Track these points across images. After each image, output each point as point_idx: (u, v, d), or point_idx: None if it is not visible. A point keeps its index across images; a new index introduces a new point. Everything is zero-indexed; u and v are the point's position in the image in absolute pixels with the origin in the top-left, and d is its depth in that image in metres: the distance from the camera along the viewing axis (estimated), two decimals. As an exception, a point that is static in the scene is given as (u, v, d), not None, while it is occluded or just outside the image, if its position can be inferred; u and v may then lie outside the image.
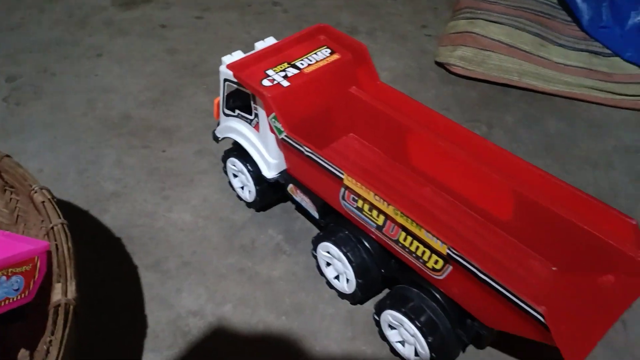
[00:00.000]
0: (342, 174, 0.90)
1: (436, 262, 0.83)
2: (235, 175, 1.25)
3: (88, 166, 1.38)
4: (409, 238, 0.86)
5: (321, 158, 0.93)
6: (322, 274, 1.09)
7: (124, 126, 1.51)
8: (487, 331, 0.84)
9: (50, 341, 0.68)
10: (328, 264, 1.06)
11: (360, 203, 0.92)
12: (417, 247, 0.85)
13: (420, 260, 0.86)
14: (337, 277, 1.05)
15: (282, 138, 1.00)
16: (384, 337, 0.97)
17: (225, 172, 1.28)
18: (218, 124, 1.23)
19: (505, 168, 0.94)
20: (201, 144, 1.45)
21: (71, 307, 0.72)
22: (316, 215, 1.08)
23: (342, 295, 1.05)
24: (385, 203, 0.84)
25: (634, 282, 0.80)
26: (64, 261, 0.77)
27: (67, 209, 1.22)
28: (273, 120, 1.00)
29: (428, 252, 0.83)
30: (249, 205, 1.25)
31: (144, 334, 1.00)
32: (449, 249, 0.77)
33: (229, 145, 1.23)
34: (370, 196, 0.86)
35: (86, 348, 0.97)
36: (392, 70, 1.70)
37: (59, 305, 0.72)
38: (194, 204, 1.28)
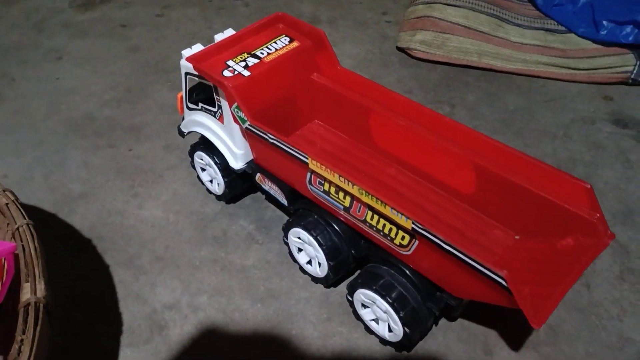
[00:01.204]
0: (306, 158, 0.91)
1: (403, 238, 0.85)
2: (203, 169, 1.25)
3: (54, 169, 1.36)
4: (376, 217, 0.88)
5: (285, 144, 0.94)
6: (294, 260, 1.10)
7: (89, 127, 1.50)
8: (455, 301, 0.87)
9: (22, 340, 0.69)
10: (300, 250, 1.07)
11: (326, 186, 0.93)
12: (384, 225, 0.87)
13: (388, 238, 0.88)
14: (309, 262, 1.07)
15: (246, 127, 1.00)
16: (358, 317, 0.99)
17: (194, 167, 1.28)
18: (183, 119, 1.23)
19: (465, 142, 0.97)
20: (168, 139, 1.44)
21: (41, 305, 0.72)
22: (285, 202, 1.09)
23: (315, 279, 1.07)
24: (350, 184, 0.86)
25: (591, 243, 0.84)
26: (31, 261, 0.77)
27: (35, 213, 1.21)
28: (236, 110, 1.01)
29: (394, 229, 0.86)
30: (218, 197, 1.25)
31: (120, 331, 1.00)
32: (413, 224, 0.79)
33: (195, 140, 1.23)
34: (335, 178, 0.88)
35: (62, 348, 0.97)
36: (355, 57, 1.71)
37: (28, 304, 0.72)
38: (164, 200, 1.28)
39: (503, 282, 0.71)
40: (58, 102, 1.59)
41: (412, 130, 1.01)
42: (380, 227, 0.88)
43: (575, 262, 0.82)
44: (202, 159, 1.21)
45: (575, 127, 1.43)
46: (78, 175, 1.35)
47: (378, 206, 0.84)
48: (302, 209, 1.05)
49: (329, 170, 0.88)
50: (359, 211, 0.90)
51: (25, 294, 0.74)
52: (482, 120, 1.45)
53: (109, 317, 1.03)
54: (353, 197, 0.89)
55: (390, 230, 0.86)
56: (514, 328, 0.99)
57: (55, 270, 1.09)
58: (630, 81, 1.56)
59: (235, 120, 1.03)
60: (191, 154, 1.24)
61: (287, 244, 1.09)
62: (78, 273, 1.11)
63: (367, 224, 0.90)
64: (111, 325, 1.01)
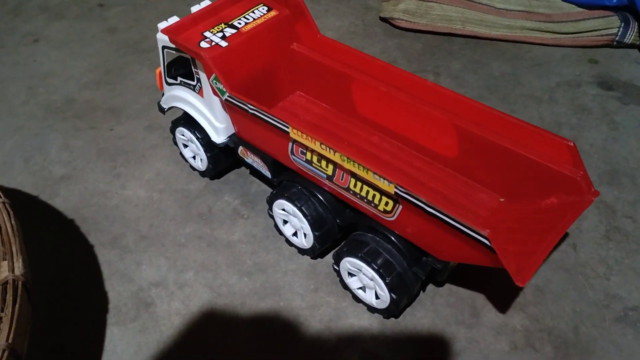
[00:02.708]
0: (287, 127, 0.90)
1: (386, 203, 0.84)
2: (185, 146, 1.23)
3: (34, 153, 1.34)
4: (359, 184, 0.86)
5: (266, 114, 0.92)
6: (280, 232, 1.09)
7: (68, 110, 1.47)
8: (441, 265, 0.86)
9: (1, 318, 0.67)
10: (285, 222, 1.06)
11: (308, 155, 0.92)
12: (367, 192, 0.86)
13: (372, 205, 0.87)
14: (295, 234, 1.06)
15: (226, 99, 0.99)
16: (345, 286, 0.99)
17: (176, 144, 1.26)
18: (162, 95, 1.20)
19: (447, 106, 0.96)
20: (150, 119, 1.42)
21: (19, 282, 0.71)
22: (269, 174, 1.08)
23: (302, 251, 1.06)
24: (331, 151, 0.85)
25: (575, 201, 0.83)
26: (8, 239, 0.76)
27: (16, 197, 1.19)
28: (214, 81, 0.99)
29: (378, 195, 0.85)
30: (202, 174, 1.24)
31: (106, 309, 0.99)
32: (396, 188, 0.78)
33: (176, 116, 1.21)
34: (317, 146, 0.87)
35: (48, 329, 0.96)
36: (338, 30, 1.69)
37: (6, 282, 0.71)
38: (147, 179, 1.26)
39: (486, 242, 0.71)
40: (36, 85, 1.56)
41: (394, 96, 1.00)
42: (363, 194, 0.87)
43: (559, 220, 0.82)
44: (183, 135, 1.19)
45: (561, 91, 1.42)
46: (59, 158, 1.32)
47: (360, 172, 0.82)
48: (286, 181, 1.04)
49: (310, 139, 0.87)
50: (342, 179, 0.89)
51: (3, 272, 0.73)
52: (467, 87, 1.44)
53: (95, 296, 1.02)
54: (335, 164, 0.88)
55: (374, 196, 0.85)
56: (501, 290, 0.99)
57: (39, 253, 1.08)
58: (614, 43, 1.54)
59: (215, 93, 1.01)
60: (172, 130, 1.22)
61: (272, 216, 1.08)
62: (62, 255, 1.09)
63: (351, 192, 0.89)
64: (97, 305, 1.00)
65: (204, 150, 1.15)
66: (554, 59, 1.53)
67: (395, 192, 0.79)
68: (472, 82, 1.46)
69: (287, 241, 1.09)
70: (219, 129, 1.08)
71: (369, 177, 0.81)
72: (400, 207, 0.82)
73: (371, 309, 0.96)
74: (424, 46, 1.60)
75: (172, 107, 1.18)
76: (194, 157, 1.23)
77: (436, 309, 0.97)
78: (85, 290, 1.03)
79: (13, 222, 0.78)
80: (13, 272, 0.72)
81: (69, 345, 0.94)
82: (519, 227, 0.85)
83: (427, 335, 0.93)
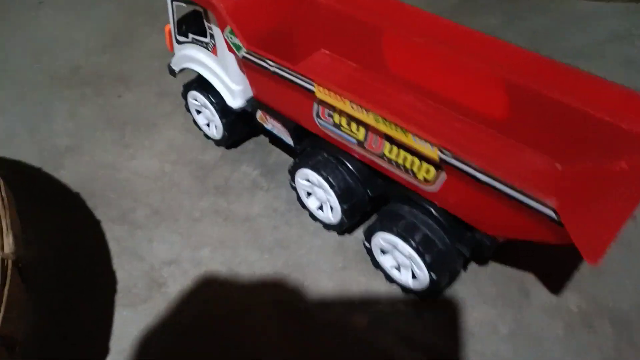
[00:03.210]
0: (312, 85, 0.79)
1: (427, 171, 0.73)
2: (198, 112, 1.13)
3: (39, 123, 1.25)
4: (395, 149, 0.75)
5: (289, 71, 0.81)
6: (304, 206, 0.99)
7: (74, 77, 1.38)
8: (490, 241, 0.75)
9: (-11, 303, 0.59)
10: (309, 194, 0.96)
11: (337, 118, 0.81)
12: (405, 158, 0.75)
13: (410, 173, 0.76)
14: (320, 208, 0.95)
15: (243, 56, 0.88)
16: (377, 265, 0.89)
17: (188, 110, 1.16)
18: (172, 57, 1.10)
19: (494, 56, 0.83)
20: (161, 85, 1.32)
21: (9, 261, 0.62)
22: (290, 141, 0.97)
23: (327, 226, 0.96)
24: (364, 111, 0.74)
25: (649, 165, 0.71)
26: (-3, 213, 0.67)
27: (19, 169, 1.11)
28: (229, 36, 0.88)
29: (417, 162, 0.73)
30: (217, 143, 1.14)
31: (114, 290, 0.90)
32: (441, 152, 0.67)
33: (188, 79, 1.11)
34: (347, 106, 0.76)
35: (52, 310, 0.87)
36: (361, -14, 1.55)
37: (-5, 262, 0.62)
38: (159, 149, 1.16)
39: (552, 214, 0.60)
40: (40, 51, 1.46)
41: (431, 49, 0.88)
42: (400, 160, 0.76)
43: (631, 188, 0.70)
44: (196, 100, 1.09)
45: (610, 46, 1.28)
46: (64, 128, 1.23)
47: (398, 135, 0.71)
48: (310, 148, 0.93)
49: (338, 97, 0.76)
50: (375, 144, 0.78)
51: (-8, 251, 0.64)
52: (505, 45, 1.30)
53: (103, 276, 0.93)
54: (368, 127, 0.77)
55: (413, 163, 0.74)
56: (553, 267, 0.88)
57: (43, 230, 0.99)
58: (670, -6, 1.39)
59: (230, 49, 0.90)
60: (184, 95, 1.12)
61: (294, 188, 0.98)
62: (68, 231, 1.00)
63: (385, 159, 0.78)
64: (105, 285, 0.91)
65: (219, 117, 1.05)
66: (602, 12, 1.39)
67: (439, 157, 0.68)
68: (512, 39, 1.29)
69: (312, 216, 0.98)
70: (235, 91, 0.98)
71: (408, 140, 0.70)
72: (445, 175, 0.71)
73: (406, 289, 0.86)
74: (459, 1, 1.46)
75: (183, 69, 1.08)
76: (208, 125, 1.13)
77: (480, 288, 0.86)
78: (92, 269, 0.94)
79: (3, 194, 0.69)
80: (2, 249, 0.63)
81: (75, 329, 0.86)
82: (582, 197, 0.73)
83: (471, 318, 0.83)
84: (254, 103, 0.98)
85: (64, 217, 1.03)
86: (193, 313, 0.87)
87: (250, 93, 0.98)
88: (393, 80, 0.96)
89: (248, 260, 0.93)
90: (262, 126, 1.01)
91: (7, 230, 0.64)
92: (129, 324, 0.86)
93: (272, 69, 0.84)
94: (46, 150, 1.18)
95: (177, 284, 0.91)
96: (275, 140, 1.12)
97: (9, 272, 0.60)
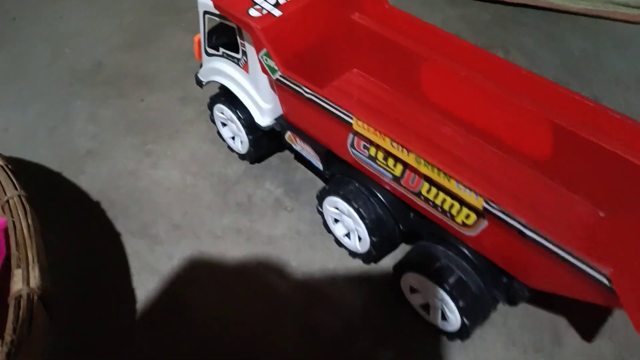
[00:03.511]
0: (350, 118, 0.75)
1: (467, 216, 0.70)
2: (224, 124, 1.10)
3: (59, 122, 1.23)
4: (434, 190, 0.72)
5: (325, 100, 0.78)
6: (329, 231, 0.96)
7: (97, 75, 1.35)
8: (528, 291, 0.73)
9: (12, 342, 0.56)
10: (336, 221, 0.93)
11: (373, 151, 0.78)
12: (444, 200, 0.72)
13: (448, 215, 0.73)
14: (347, 235, 0.93)
15: (277, 79, 0.84)
16: (402, 299, 0.86)
17: (213, 121, 1.13)
18: (201, 66, 1.07)
19: (539, 96, 0.80)
20: (185, 90, 1.29)
21: (35, 297, 0.60)
22: (320, 166, 0.94)
23: (354, 254, 0.93)
24: (405, 151, 0.70)
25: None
26: (23, 241, 0.64)
27: (38, 172, 1.09)
28: (264, 57, 0.85)
29: (457, 206, 0.70)
30: (242, 157, 1.11)
31: (134, 310, 0.88)
32: (486, 203, 0.64)
33: (215, 90, 1.08)
34: (387, 143, 0.72)
35: (66, 328, 0.85)
36: (393, -5, 1.51)
37: (20, 296, 0.60)
38: (181, 159, 1.14)
39: (605, 281, 0.57)
40: (63, 46, 1.43)
41: (475, 82, 0.84)
42: (438, 202, 0.73)
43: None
44: (223, 113, 1.06)
45: (652, 77, 1.24)
46: (85, 129, 1.21)
47: (440, 179, 0.68)
48: (340, 175, 0.90)
49: (378, 134, 0.73)
50: (412, 182, 0.75)
51: (17, 284, 0.61)
52: (541, 67, 1.26)
53: (122, 293, 0.91)
54: (406, 166, 0.74)
55: (452, 206, 0.71)
56: (586, 312, 0.85)
57: (60, 239, 0.97)
58: None
59: (264, 70, 0.87)
60: (210, 107, 1.09)
61: (321, 213, 0.95)
62: (86, 242, 0.98)
63: (422, 198, 0.75)
64: (124, 303, 0.89)
65: (246, 133, 1.02)
66: (643, 38, 1.34)
67: (484, 207, 0.65)
68: (548, 61, 1.28)
69: (337, 241, 0.96)
70: (264, 110, 0.95)
71: (451, 186, 0.67)
72: (486, 223, 0.68)
73: (430, 326, 0.83)
74: (492, 17, 1.41)
75: (211, 81, 1.05)
76: (233, 138, 1.10)
77: (510, 332, 0.84)
78: (111, 285, 0.92)
79: (30, 221, 0.66)
80: (28, 284, 0.61)
81: (92, 348, 0.84)
82: (626, 252, 0.70)
83: (499, 364, 0.81)
84: (283, 123, 0.95)
85: (83, 227, 1.01)
86: (214, 336, 0.84)
87: (279, 111, 0.95)
88: (428, 108, 0.93)
89: (271, 286, 0.91)
90: (291, 146, 0.98)
91: (34, 262, 0.62)
92: (148, 344, 0.84)
93: (307, 95, 0.80)
94: (66, 153, 1.15)
95: (198, 306, 0.88)
96: (302, 160, 1.09)
97: (34, 308, 0.58)
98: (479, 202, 0.65)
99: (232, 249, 0.97)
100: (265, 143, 1.05)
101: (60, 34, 1.47)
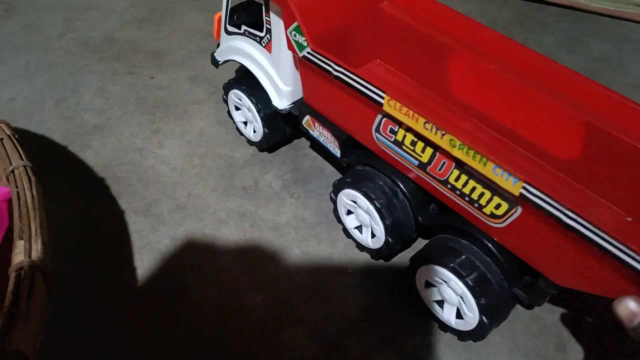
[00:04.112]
0: (382, 97, 0.72)
1: (497, 206, 0.67)
2: (237, 109, 1.08)
3: (67, 95, 1.21)
4: (464, 177, 0.69)
5: (356, 77, 0.75)
6: (339, 220, 0.95)
7: (107, 49, 1.33)
8: (555, 290, 0.69)
9: (12, 314, 0.55)
10: (349, 212, 0.91)
11: (400, 135, 0.75)
12: (474, 189, 0.69)
13: (475, 205, 0.70)
14: (358, 227, 0.91)
15: (303, 56, 0.81)
16: (411, 295, 0.84)
17: (225, 102, 1.10)
18: (218, 46, 1.04)
19: (573, 93, 0.76)
20: (195, 69, 1.27)
21: (36, 270, 0.58)
22: (337, 153, 0.92)
23: (361, 247, 0.92)
24: (439, 133, 0.67)
25: None
26: (27, 213, 0.63)
27: (43, 145, 1.07)
28: (293, 33, 0.82)
29: (488, 194, 0.67)
30: (251, 143, 1.09)
31: (134, 289, 0.87)
32: (524, 188, 0.61)
33: (229, 72, 1.05)
34: (419, 125, 0.69)
35: (67, 302, 0.84)
36: (412, -15, 1.48)
37: (21, 268, 0.58)
38: (188, 139, 1.12)
39: None
40: (74, 18, 1.41)
41: (503, 77, 0.81)
42: (467, 190, 0.70)
43: None
44: (240, 100, 1.03)
45: (673, 84, 1.21)
46: (93, 104, 1.19)
47: (475, 163, 0.65)
48: (361, 167, 0.87)
49: (411, 114, 0.69)
50: (439, 169, 0.72)
51: (18, 255, 0.60)
52: (560, 68, 1.24)
53: (123, 272, 0.89)
54: (436, 150, 0.71)
55: (482, 195, 0.68)
56: (592, 319, 0.84)
57: (64, 214, 0.96)
58: None
59: (290, 47, 0.84)
60: (227, 89, 1.06)
61: (333, 201, 0.93)
62: (88, 218, 0.97)
63: (449, 186, 0.72)
64: (124, 283, 0.88)
65: (262, 125, 0.99)
66: (665, 43, 1.31)
67: (520, 194, 0.62)
68: (568, 62, 1.25)
69: (345, 230, 0.94)
70: (283, 92, 0.93)
71: (486, 170, 0.64)
72: (518, 213, 0.65)
73: (445, 327, 0.81)
74: (513, 14, 1.38)
75: (227, 61, 1.02)
76: (244, 123, 1.08)
77: (514, 337, 0.82)
78: (111, 263, 0.91)
79: (34, 192, 0.65)
80: (30, 256, 0.59)
81: (89, 326, 0.82)
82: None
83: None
84: (302, 107, 0.93)
85: (87, 202, 0.99)
86: (212, 323, 0.83)
87: (298, 95, 0.93)
88: (452, 103, 0.90)
89: (272, 275, 0.89)
90: (307, 132, 0.96)
91: (37, 234, 0.60)
92: (147, 327, 0.82)
93: (335, 73, 0.78)
94: (73, 126, 1.14)
95: (198, 290, 0.87)
96: (318, 147, 1.07)
97: (35, 282, 0.57)
98: (516, 188, 0.62)
99: (236, 233, 0.95)
100: (279, 133, 1.03)
101: (73, 6, 1.45)
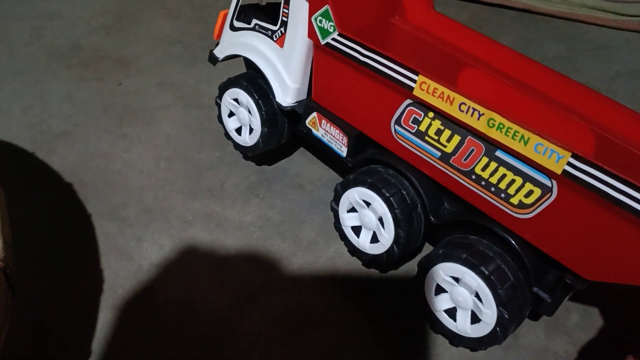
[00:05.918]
0: (413, 81, 0.70)
1: (528, 194, 0.66)
2: (231, 114, 1.06)
3: (34, 102, 1.22)
4: (493, 164, 0.68)
5: (385, 61, 0.73)
6: (336, 218, 0.93)
7: (74, 56, 1.34)
8: (583, 285, 0.66)
9: (-28, 312, 0.57)
10: (350, 210, 0.90)
11: (424, 125, 0.74)
12: (503, 176, 0.67)
13: (502, 196, 0.69)
14: (355, 228, 0.90)
15: (327, 43, 0.81)
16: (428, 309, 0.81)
17: (218, 105, 1.07)
18: (216, 45, 1.05)
19: (586, 109, 0.75)
20: (163, 75, 1.29)
21: (-4, 270, 0.60)
22: (343, 152, 0.91)
23: (355, 251, 0.91)
24: (476, 113, 0.65)
25: None
26: (-13, 214, 0.64)
27: (10, 151, 1.08)
28: (319, 19, 0.81)
29: (519, 181, 0.66)
30: (244, 149, 1.06)
31: (100, 290, 0.89)
32: (573, 158, 0.58)
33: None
34: (454, 107, 0.67)
35: (33, 304, 0.86)
36: (375, -10, 1.53)
37: (-19, 268, 0.60)
38: (155, 144, 1.14)
39: None
40: (41, 26, 1.42)
41: (516, 90, 0.79)
42: (494, 180, 0.68)
43: None
44: (236, 100, 1.01)
45: (621, 81, 1.27)
46: (60, 110, 1.20)
47: (514, 144, 0.63)
48: (375, 161, 0.86)
49: (445, 95, 0.67)
50: (465, 159, 0.71)
51: (-22, 256, 0.61)
52: (515, 68, 1.29)
53: (89, 273, 0.91)
54: (465, 138, 0.69)
55: (511, 183, 0.67)
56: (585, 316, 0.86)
57: (30, 218, 0.97)
58: (684, 32, 1.38)
59: (311, 34, 0.84)
60: (222, 90, 1.04)
61: (334, 210, 0.91)
62: (56, 222, 0.98)
63: (473, 177, 0.71)
64: (91, 283, 0.90)
65: (262, 124, 0.98)
66: (615, 43, 1.37)
67: (564, 170, 0.59)
68: (522, 63, 1.30)
69: (336, 225, 0.93)
70: (289, 88, 0.93)
71: (527, 150, 0.62)
72: (553, 197, 0.63)
73: (458, 339, 0.79)
74: (470, 17, 1.44)
75: (227, 58, 1.02)
76: (238, 130, 1.06)
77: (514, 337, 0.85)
78: (78, 265, 0.92)
79: (-6, 193, 0.66)
80: (-10, 256, 0.61)
81: (55, 327, 0.84)
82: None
83: (455, 358, 0.83)
84: (309, 105, 0.93)
85: (53, 206, 1.01)
86: (177, 323, 0.85)
87: (303, 95, 0.94)
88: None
89: (237, 272, 0.92)
90: (309, 132, 0.96)
91: (-4, 234, 0.62)
92: (112, 326, 0.84)
93: (362, 58, 0.76)
94: (40, 133, 1.15)
95: (165, 289, 0.89)
96: (316, 148, 1.08)
97: (-5, 281, 0.59)
98: (560, 165, 0.60)
99: (201, 233, 0.97)
100: (276, 136, 1.02)
101: (40, 14, 1.46)
